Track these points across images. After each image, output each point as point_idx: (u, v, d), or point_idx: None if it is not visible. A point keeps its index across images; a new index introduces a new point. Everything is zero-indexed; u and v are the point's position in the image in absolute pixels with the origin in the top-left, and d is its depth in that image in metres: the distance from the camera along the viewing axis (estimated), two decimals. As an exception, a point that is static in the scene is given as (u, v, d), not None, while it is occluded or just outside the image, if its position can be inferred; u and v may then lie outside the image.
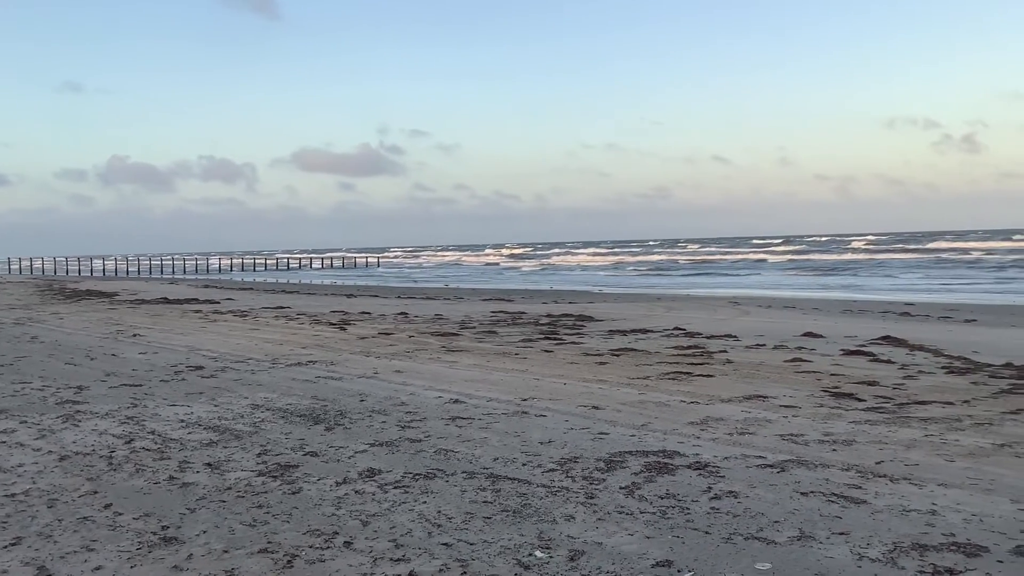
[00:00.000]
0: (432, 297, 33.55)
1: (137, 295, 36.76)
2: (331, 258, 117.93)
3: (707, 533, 5.14)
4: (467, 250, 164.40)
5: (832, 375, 11.25)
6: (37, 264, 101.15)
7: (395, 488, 6.20)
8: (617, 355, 13.70)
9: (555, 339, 16.27)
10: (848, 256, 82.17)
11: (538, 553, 4.83)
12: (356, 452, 7.32)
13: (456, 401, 9.70)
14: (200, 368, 12.78)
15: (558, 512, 5.57)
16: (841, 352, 13.59)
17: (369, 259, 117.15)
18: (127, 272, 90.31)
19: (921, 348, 13.91)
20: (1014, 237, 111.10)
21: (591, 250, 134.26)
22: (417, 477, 6.48)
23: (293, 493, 6.12)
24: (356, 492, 6.12)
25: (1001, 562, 4.61)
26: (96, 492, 6.22)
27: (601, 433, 7.95)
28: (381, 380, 11.39)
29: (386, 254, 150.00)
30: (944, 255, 75.91)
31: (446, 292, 38.44)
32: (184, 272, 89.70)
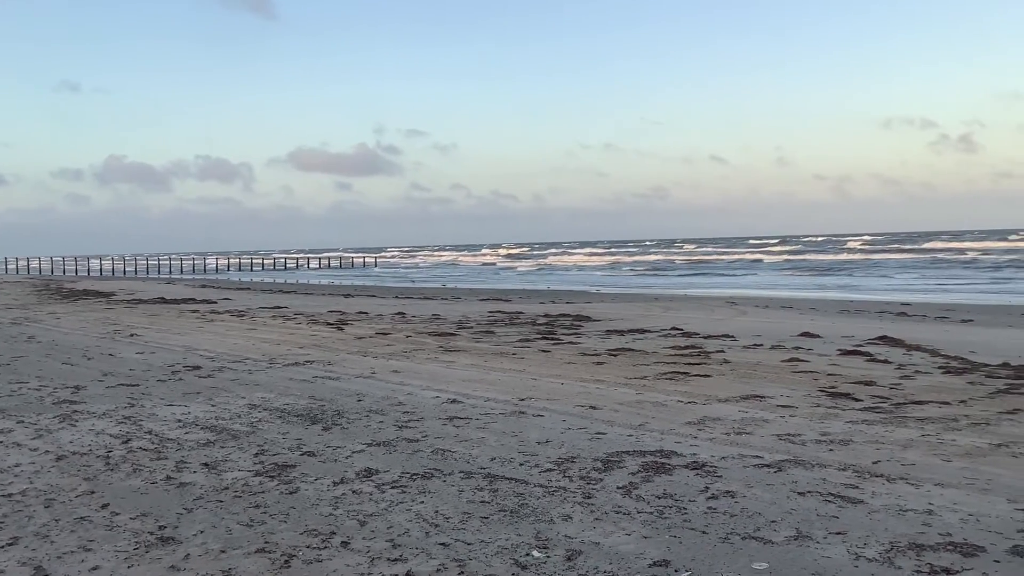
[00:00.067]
0: (429, 297, 33.55)
1: (134, 295, 36.73)
2: (328, 258, 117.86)
3: (704, 533, 5.14)
4: (464, 250, 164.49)
5: (829, 375, 11.26)
6: (34, 264, 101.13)
7: (392, 488, 6.20)
8: (614, 355, 13.71)
9: (552, 339, 16.27)
10: (844, 256, 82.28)
11: (535, 553, 4.83)
12: (353, 452, 7.32)
13: (453, 401, 9.70)
14: (197, 368, 12.77)
15: (555, 512, 5.58)
16: (838, 352, 13.60)
17: (367, 259, 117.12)
18: (124, 272, 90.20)
19: (918, 348, 13.92)
20: (1010, 237, 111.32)
21: (588, 250, 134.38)
22: (414, 477, 6.48)
23: (290, 493, 6.11)
24: (353, 492, 6.11)
25: (998, 562, 4.61)
26: (93, 492, 6.21)
27: (598, 433, 7.95)
28: (378, 380, 11.39)
29: (383, 254, 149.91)
30: (940, 255, 76.06)
31: (443, 292, 38.43)
32: (181, 272, 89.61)
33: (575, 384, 10.82)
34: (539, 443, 7.57)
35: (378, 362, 13.24)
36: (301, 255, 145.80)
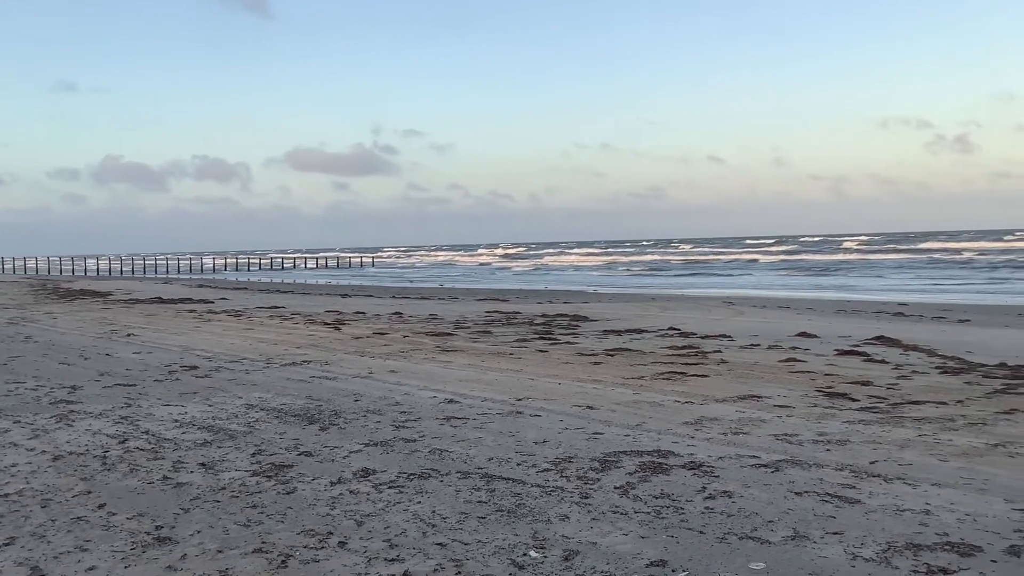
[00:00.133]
0: (427, 297, 33.54)
1: (131, 295, 36.69)
2: (325, 258, 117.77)
3: (701, 533, 5.14)
4: (461, 250, 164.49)
5: (826, 375, 11.27)
6: (31, 263, 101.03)
7: (390, 488, 6.19)
8: (612, 355, 13.71)
9: (550, 339, 16.27)
10: (840, 256, 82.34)
11: (533, 553, 4.83)
12: (351, 452, 7.32)
13: (451, 401, 9.70)
14: (194, 368, 12.76)
15: (553, 512, 5.57)
16: (835, 352, 13.61)
17: (364, 259, 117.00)
18: (121, 272, 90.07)
19: (915, 348, 13.93)
20: (1005, 238, 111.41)
21: (584, 250, 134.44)
22: (412, 477, 6.48)
23: (287, 493, 6.11)
24: (351, 492, 6.11)
25: (995, 562, 4.62)
26: (90, 492, 6.21)
27: (596, 433, 7.95)
28: (376, 380, 11.38)
29: (379, 254, 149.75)
30: (936, 255, 76.14)
31: (440, 292, 38.42)
32: (178, 272, 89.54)
33: (572, 384, 10.82)
34: (536, 443, 7.57)
35: (375, 362, 13.23)
36: (298, 255, 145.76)
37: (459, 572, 4.56)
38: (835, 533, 5.10)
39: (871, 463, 6.72)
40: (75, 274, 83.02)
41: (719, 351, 13.97)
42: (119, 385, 11.20)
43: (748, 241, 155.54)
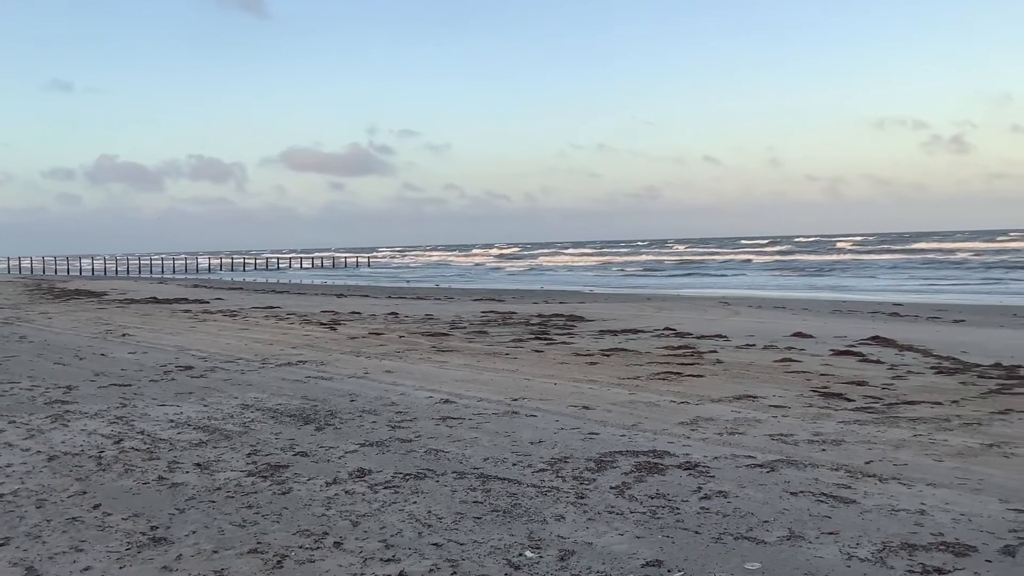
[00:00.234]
0: (422, 297, 33.52)
1: (126, 295, 36.63)
2: (321, 258, 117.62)
3: (697, 533, 5.15)
4: (457, 250, 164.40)
5: (822, 375, 11.29)
6: (25, 263, 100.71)
7: (385, 488, 6.19)
8: (607, 355, 13.71)
9: (546, 339, 16.28)
10: (834, 257, 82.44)
11: (528, 553, 4.83)
12: (346, 452, 7.31)
13: (446, 401, 9.69)
14: (190, 368, 12.75)
15: (548, 512, 5.58)
16: (830, 352, 13.63)
17: (359, 259, 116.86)
18: (116, 272, 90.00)
19: (910, 348, 13.96)
20: (998, 238, 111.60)
21: (579, 250, 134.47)
22: (407, 477, 6.48)
23: (283, 493, 6.10)
24: (346, 492, 6.11)
25: (990, 561, 4.63)
26: (85, 492, 6.19)
27: (591, 433, 7.95)
28: (371, 380, 11.38)
29: (374, 254, 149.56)
30: (931, 256, 76.25)
31: (436, 292, 38.41)
32: (173, 272, 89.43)
33: (568, 384, 10.82)
34: (532, 443, 7.57)
35: (371, 362, 13.22)
36: (293, 255, 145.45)
37: (455, 572, 4.56)
38: (830, 533, 5.10)
39: (866, 463, 6.73)
40: (70, 274, 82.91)
41: (715, 351, 13.98)
42: (114, 385, 11.18)
43: (743, 241, 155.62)
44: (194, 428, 8.42)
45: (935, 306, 25.00)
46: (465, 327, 18.96)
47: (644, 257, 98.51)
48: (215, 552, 4.92)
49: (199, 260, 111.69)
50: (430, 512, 5.61)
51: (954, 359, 12.59)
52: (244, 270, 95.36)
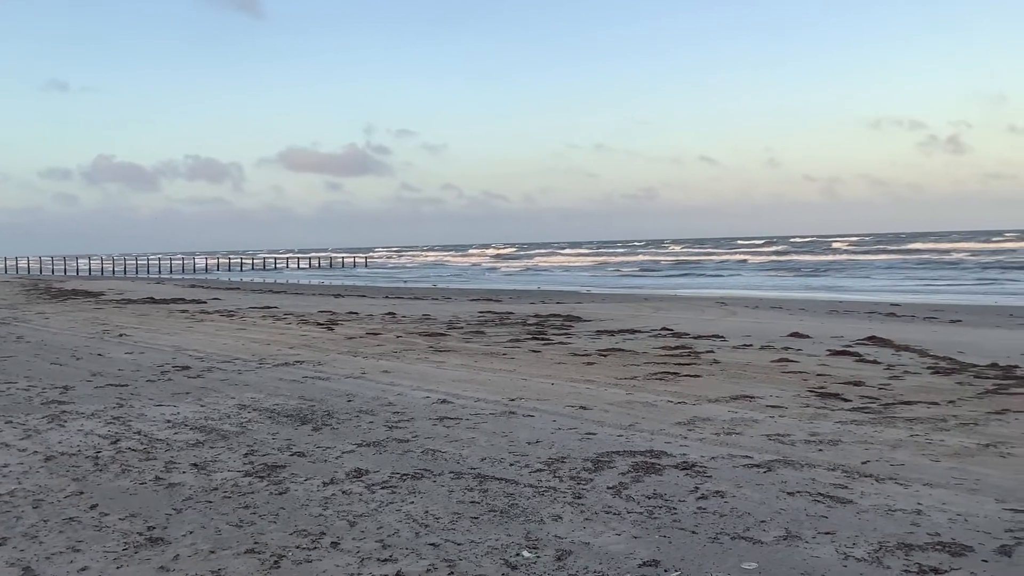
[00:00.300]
0: (420, 297, 33.52)
1: (123, 295, 36.60)
2: (318, 258, 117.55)
3: (694, 533, 5.15)
4: (454, 250, 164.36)
5: (818, 375, 11.30)
6: (22, 263, 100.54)
7: (382, 488, 6.19)
8: (605, 355, 13.72)
9: (543, 339, 16.28)
10: (830, 257, 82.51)
11: (525, 553, 4.83)
12: (343, 452, 7.31)
13: (444, 401, 9.70)
14: (187, 368, 12.74)
15: (545, 512, 5.58)
16: (827, 352, 13.65)
17: (356, 259, 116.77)
18: (113, 272, 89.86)
19: (907, 348, 13.98)
20: (993, 239, 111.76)
21: (576, 251, 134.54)
22: (404, 477, 6.48)
23: (280, 493, 6.10)
24: (343, 492, 6.11)
25: (986, 561, 4.64)
26: (82, 493, 6.19)
27: (588, 433, 7.96)
28: (369, 380, 11.38)
29: (371, 254, 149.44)
30: (927, 256, 76.36)
31: (434, 292, 38.41)
32: (170, 272, 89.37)
33: (565, 384, 10.83)
34: (529, 443, 7.57)
35: (368, 362, 13.22)
36: (291, 255, 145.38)
37: (452, 572, 4.57)
38: (827, 533, 5.11)
39: (863, 463, 6.74)
40: (67, 274, 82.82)
41: (712, 351, 13.99)
42: (111, 385, 11.17)
43: (740, 242, 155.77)
44: (191, 428, 8.41)
45: (932, 306, 25.02)
46: (462, 327, 18.96)
47: (640, 257, 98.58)
48: (212, 552, 4.92)
49: (196, 260, 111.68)
50: (427, 512, 5.61)
51: (951, 359, 12.61)
52: (241, 270, 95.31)
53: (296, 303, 29.44)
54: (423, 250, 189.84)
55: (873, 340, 15.13)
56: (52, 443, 7.82)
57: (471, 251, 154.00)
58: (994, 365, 11.79)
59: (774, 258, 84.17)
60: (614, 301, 29.39)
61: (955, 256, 73.59)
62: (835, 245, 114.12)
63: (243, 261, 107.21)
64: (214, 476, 6.60)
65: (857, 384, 10.49)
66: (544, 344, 15.48)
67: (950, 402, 9.26)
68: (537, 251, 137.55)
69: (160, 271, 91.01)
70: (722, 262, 79.91)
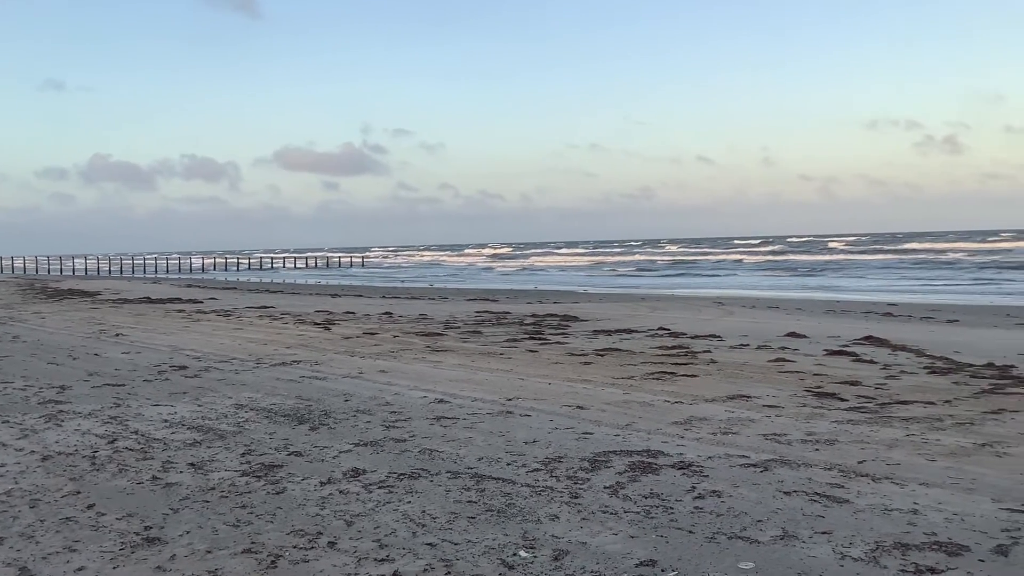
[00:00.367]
0: (417, 297, 33.51)
1: (120, 294, 36.55)
2: (315, 258, 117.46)
3: (691, 532, 5.16)
4: (452, 250, 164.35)
5: (815, 375, 11.31)
6: (18, 263, 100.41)
7: (379, 488, 6.19)
8: (602, 355, 13.72)
9: (540, 339, 16.28)
10: (826, 257, 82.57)
11: (522, 553, 4.83)
12: (340, 452, 7.31)
13: (441, 401, 9.70)
14: (183, 368, 12.73)
15: (542, 512, 5.58)
16: (824, 352, 13.66)
17: (353, 259, 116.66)
18: (109, 271, 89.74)
19: (903, 348, 13.99)
20: (990, 239, 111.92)
21: (572, 250, 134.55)
22: (402, 477, 6.48)
23: (277, 493, 6.10)
24: (340, 492, 6.11)
25: (982, 561, 4.64)
26: (79, 492, 6.19)
27: (585, 433, 7.96)
28: (366, 380, 11.37)
29: (367, 254, 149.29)
30: (923, 256, 76.44)
31: (430, 292, 38.40)
32: (167, 271, 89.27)
33: (562, 384, 10.83)
34: (526, 443, 7.57)
35: (365, 362, 13.22)
36: (287, 255, 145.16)
37: (449, 572, 4.57)
38: (824, 533, 5.12)
39: (859, 463, 6.75)
40: (63, 274, 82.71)
41: (709, 351, 14.00)
42: (108, 385, 11.16)
43: (736, 241, 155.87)
44: (188, 428, 8.41)
45: (928, 306, 25.05)
46: (459, 327, 18.96)
47: (637, 257, 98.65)
48: (209, 552, 4.91)
49: (192, 260, 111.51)
50: (424, 512, 5.61)
51: (947, 359, 12.62)
52: (238, 270, 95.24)
53: (293, 303, 29.42)
54: (419, 250, 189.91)
55: (870, 340, 15.14)
56: (49, 443, 7.81)
57: (467, 251, 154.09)
58: (990, 365, 11.81)
59: (770, 258, 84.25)
60: (611, 301, 29.40)
61: (952, 256, 73.69)
62: (831, 245, 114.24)
63: (239, 261, 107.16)
64: (211, 476, 6.59)
65: (854, 384, 10.50)
66: (541, 344, 15.48)
67: (946, 402, 9.27)
68: (533, 251, 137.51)
69: (156, 271, 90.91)
70: (718, 262, 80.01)
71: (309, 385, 11.01)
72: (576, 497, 5.90)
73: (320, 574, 4.57)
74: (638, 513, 5.53)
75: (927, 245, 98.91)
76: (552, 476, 6.46)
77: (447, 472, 6.61)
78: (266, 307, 26.85)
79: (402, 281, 56.64)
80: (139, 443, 7.75)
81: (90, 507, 5.82)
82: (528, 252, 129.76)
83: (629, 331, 17.53)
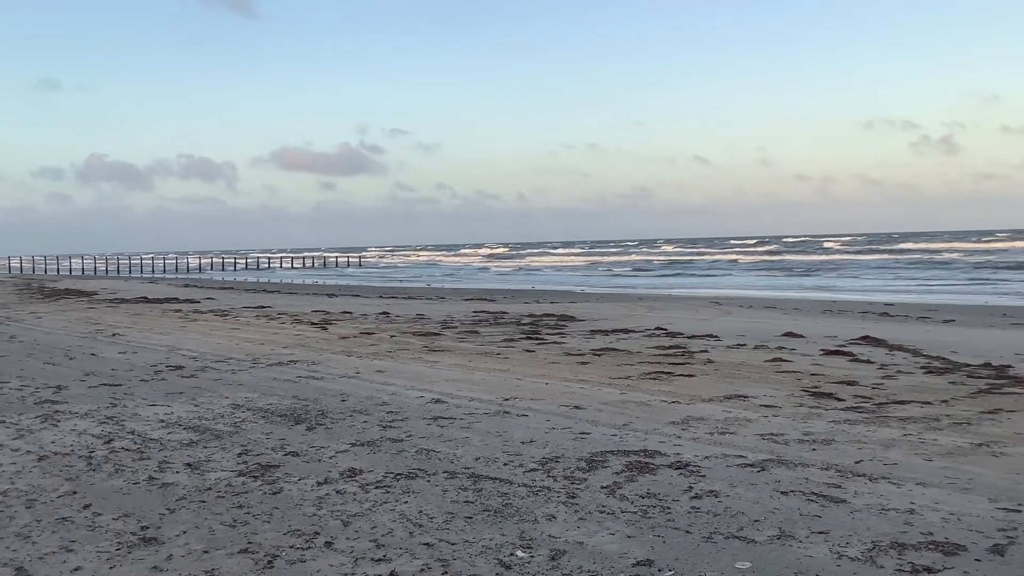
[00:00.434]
0: (413, 297, 33.50)
1: (116, 294, 36.52)
2: (312, 258, 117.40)
3: (688, 532, 5.16)
4: (448, 250, 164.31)
5: (812, 375, 11.32)
6: (15, 263, 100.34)
7: (376, 488, 6.19)
8: (599, 355, 13.73)
9: (537, 339, 16.28)
10: (821, 257, 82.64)
11: (519, 553, 4.83)
12: (337, 452, 7.31)
13: (438, 401, 9.69)
14: (180, 368, 12.71)
15: (539, 512, 5.58)
16: (821, 352, 13.67)
17: (351, 258, 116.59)
18: (106, 271, 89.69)
19: (900, 348, 14.01)
20: (985, 239, 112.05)
21: (568, 250, 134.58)
22: (399, 477, 6.48)
23: (274, 493, 6.09)
24: (337, 492, 6.10)
25: (979, 560, 4.65)
26: (75, 492, 6.18)
27: (582, 433, 7.96)
28: (363, 380, 11.37)
29: (364, 254, 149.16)
30: (918, 256, 76.51)
31: (428, 292, 38.40)
32: (163, 271, 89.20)
33: (559, 384, 10.83)
34: (523, 443, 7.57)
35: (362, 362, 13.21)
36: (284, 255, 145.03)
37: (446, 572, 4.56)
38: (820, 532, 5.12)
39: (856, 463, 6.75)
40: (60, 273, 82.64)
41: (706, 351, 14.01)
42: (104, 385, 11.14)
43: (733, 241, 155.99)
44: (185, 428, 8.40)
45: (925, 306, 25.09)
46: (456, 327, 18.96)
47: (633, 257, 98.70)
48: (205, 552, 4.91)
49: (189, 260, 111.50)
50: (421, 512, 5.61)
51: (944, 359, 12.64)
52: (235, 270, 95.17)
53: (290, 303, 29.41)
54: (416, 250, 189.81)
55: (867, 340, 15.16)
56: (45, 443, 7.80)
57: (464, 251, 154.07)
58: (987, 365, 11.83)
59: (766, 258, 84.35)
60: (608, 301, 29.41)
61: (947, 256, 73.78)
62: (827, 245, 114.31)
63: (236, 261, 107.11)
64: (208, 476, 6.59)
65: (851, 384, 10.51)
66: (538, 344, 15.48)
67: (943, 402, 9.28)
68: (530, 251, 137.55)
69: (153, 271, 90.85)
70: (714, 262, 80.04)
71: (306, 385, 11.00)
72: (573, 497, 5.90)
73: (317, 574, 4.57)
74: (635, 513, 5.53)
75: (923, 245, 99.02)
76: (549, 476, 6.45)
77: (444, 472, 6.61)
78: (263, 307, 26.83)
79: (399, 281, 56.64)
80: (135, 443, 7.74)
81: (86, 507, 5.81)
82: (525, 252, 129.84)
83: (626, 331, 17.53)
